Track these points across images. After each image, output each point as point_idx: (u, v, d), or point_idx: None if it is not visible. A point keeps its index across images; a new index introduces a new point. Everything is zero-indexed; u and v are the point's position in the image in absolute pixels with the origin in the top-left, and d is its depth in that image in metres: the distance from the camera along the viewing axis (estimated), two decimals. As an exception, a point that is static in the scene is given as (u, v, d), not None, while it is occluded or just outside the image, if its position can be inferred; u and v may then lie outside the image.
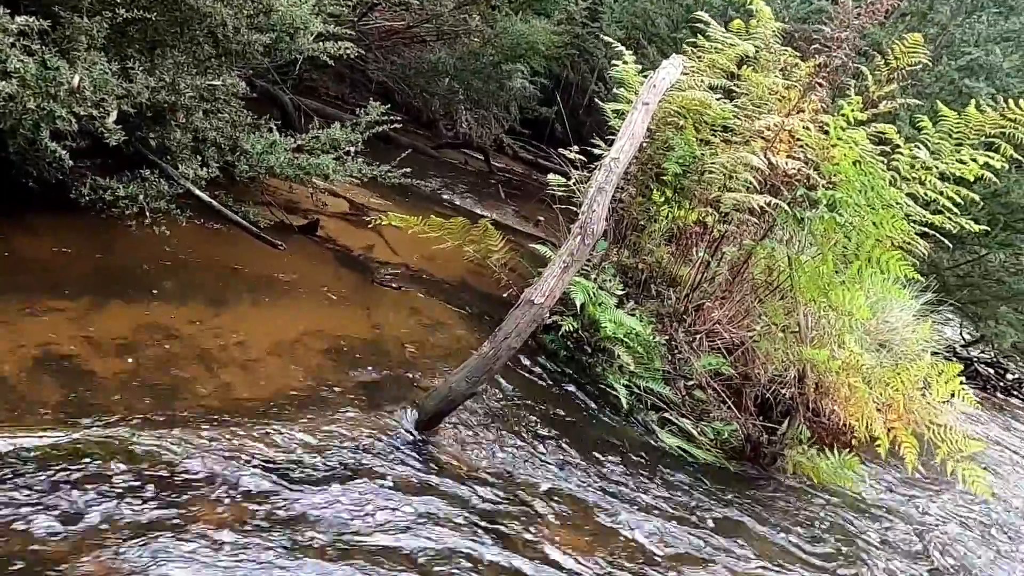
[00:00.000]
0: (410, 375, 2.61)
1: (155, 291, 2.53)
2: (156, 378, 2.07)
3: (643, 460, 2.82)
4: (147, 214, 2.68)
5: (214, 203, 2.89)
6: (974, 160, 3.12)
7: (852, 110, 3.08)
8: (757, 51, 3.42)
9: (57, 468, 1.60)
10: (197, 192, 2.82)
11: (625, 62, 3.81)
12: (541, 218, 6.13)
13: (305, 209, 3.93)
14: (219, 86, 2.84)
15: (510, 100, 8.19)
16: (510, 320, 2.21)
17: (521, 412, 2.68)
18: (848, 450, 3.47)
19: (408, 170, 3.57)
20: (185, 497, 1.66)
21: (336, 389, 2.35)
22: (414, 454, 2.12)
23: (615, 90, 3.93)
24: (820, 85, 3.10)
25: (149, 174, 2.72)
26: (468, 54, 7.13)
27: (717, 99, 3.22)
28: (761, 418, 3.51)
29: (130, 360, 2.09)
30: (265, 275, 2.95)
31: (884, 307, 4.05)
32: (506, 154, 8.71)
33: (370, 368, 2.56)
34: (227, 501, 1.70)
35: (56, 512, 1.52)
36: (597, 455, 2.67)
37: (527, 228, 5.85)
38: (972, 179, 3.16)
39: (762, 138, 3.08)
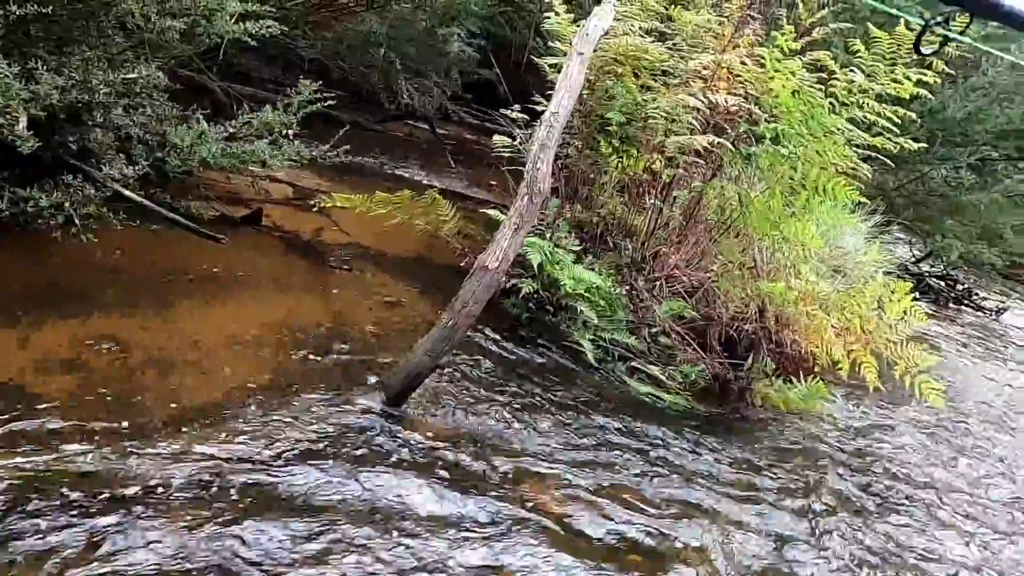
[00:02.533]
0: (374, 356, 2.58)
1: (97, 302, 2.43)
2: (108, 392, 2.00)
3: (614, 410, 2.85)
4: (76, 222, 2.55)
5: (145, 202, 2.78)
6: (908, 79, 3.16)
7: (786, 40, 3.08)
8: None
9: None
10: (126, 192, 2.70)
11: (557, 13, 3.74)
12: (493, 182, 6.07)
13: (247, 199, 3.81)
14: (135, 79, 2.69)
15: (450, 66, 8.01)
16: (466, 288, 2.18)
17: (489, 378, 2.68)
18: (812, 376, 3.58)
19: (348, 147, 3.47)
20: (142, 507, 1.62)
21: (299, 379, 2.31)
22: (384, 433, 2.10)
23: (551, 44, 3.87)
24: (752, 18, 3.08)
25: (72, 179, 2.58)
26: (400, 21, 6.91)
27: (652, 42, 3.18)
28: (726, 355, 3.58)
29: (78, 377, 2.01)
30: (213, 272, 2.86)
31: (835, 234, 4.13)
32: (452, 121, 8.55)
33: (332, 354, 2.51)
34: (192, 505, 1.66)
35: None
36: (567, 411, 2.69)
37: (479, 194, 5.80)
38: (908, 98, 3.21)
39: (700, 78, 3.06)
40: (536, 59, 3.83)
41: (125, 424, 1.88)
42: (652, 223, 3.59)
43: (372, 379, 2.38)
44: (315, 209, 3.62)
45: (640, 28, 3.18)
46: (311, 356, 2.47)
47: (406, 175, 5.82)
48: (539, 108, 3.83)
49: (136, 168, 2.63)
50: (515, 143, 3.70)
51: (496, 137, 3.80)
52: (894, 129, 3.21)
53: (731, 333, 3.59)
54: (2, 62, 2.22)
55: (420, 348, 2.16)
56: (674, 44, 3.19)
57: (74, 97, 2.49)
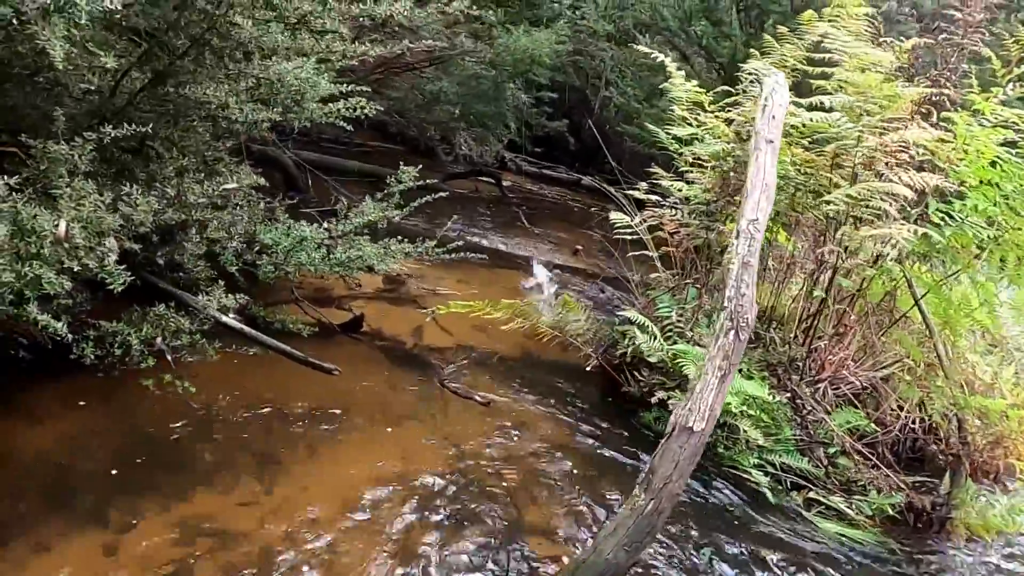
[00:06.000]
0: (518, 518, 2.08)
1: (193, 470, 1.99)
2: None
3: (800, 560, 2.29)
4: (168, 358, 2.16)
5: (246, 329, 2.36)
6: None
7: (988, 102, 2.56)
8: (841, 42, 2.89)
9: None
10: (226, 320, 2.30)
11: (671, 75, 3.31)
12: (580, 246, 5.62)
13: (338, 296, 3.42)
14: (233, 188, 2.32)
15: (520, 119, 7.75)
16: (665, 458, 1.68)
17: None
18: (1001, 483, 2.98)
19: (461, 243, 3.06)
20: None
21: (430, 566, 1.82)
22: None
23: (671, 109, 3.41)
24: (946, 82, 2.57)
25: (164, 309, 2.19)
26: (468, 78, 6.61)
27: (830, 112, 2.68)
28: (902, 467, 3.00)
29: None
30: (315, 408, 2.43)
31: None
32: (510, 170, 8.22)
33: (466, 524, 2.01)
34: None
35: None
36: (737, 569, 2.14)
37: (569, 261, 5.34)
38: None
39: (885, 151, 2.55)
40: (660, 131, 3.37)
41: None
42: (810, 312, 3.05)
43: (528, 569, 1.88)
44: (429, 319, 3.19)
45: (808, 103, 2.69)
46: (441, 530, 1.98)
47: (484, 242, 5.35)
48: (656, 181, 3.39)
49: (237, 296, 2.24)
50: (632, 222, 3.26)
51: (614, 214, 3.35)
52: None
53: (908, 443, 3.02)
54: (91, 188, 1.85)
55: (610, 540, 1.66)
56: (844, 109, 2.67)
57: (169, 217, 2.11)
